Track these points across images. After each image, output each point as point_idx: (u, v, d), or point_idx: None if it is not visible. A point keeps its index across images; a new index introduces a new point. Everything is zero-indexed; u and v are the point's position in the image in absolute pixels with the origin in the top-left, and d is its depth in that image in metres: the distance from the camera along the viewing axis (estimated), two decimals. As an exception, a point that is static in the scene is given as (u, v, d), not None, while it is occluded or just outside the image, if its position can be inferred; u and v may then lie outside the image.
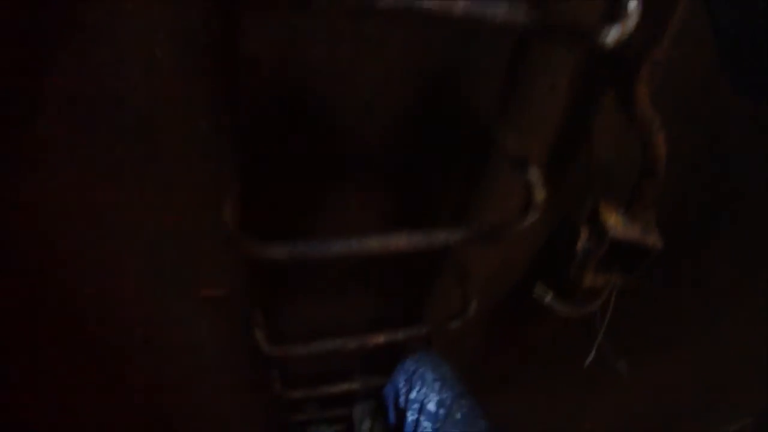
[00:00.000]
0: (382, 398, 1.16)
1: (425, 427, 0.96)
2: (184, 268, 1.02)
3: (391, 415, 1.10)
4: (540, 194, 0.77)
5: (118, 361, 1.20)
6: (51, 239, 0.86)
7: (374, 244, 0.68)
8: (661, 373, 1.97)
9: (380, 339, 1.03)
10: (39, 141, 0.72)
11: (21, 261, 0.87)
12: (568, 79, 0.92)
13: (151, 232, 0.92)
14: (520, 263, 1.35)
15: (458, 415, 0.93)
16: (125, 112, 0.71)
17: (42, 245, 0.86)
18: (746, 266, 1.54)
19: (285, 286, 1.13)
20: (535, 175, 0.78)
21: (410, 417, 1.00)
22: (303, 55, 0.72)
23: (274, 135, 0.82)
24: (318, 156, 0.87)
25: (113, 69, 0.68)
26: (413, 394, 1.01)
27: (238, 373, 1.38)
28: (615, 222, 0.98)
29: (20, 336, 1.03)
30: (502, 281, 1.40)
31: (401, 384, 1.06)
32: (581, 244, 1.03)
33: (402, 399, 1.04)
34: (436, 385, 0.99)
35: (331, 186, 0.93)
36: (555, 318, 1.31)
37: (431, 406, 0.97)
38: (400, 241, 0.70)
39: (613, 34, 0.50)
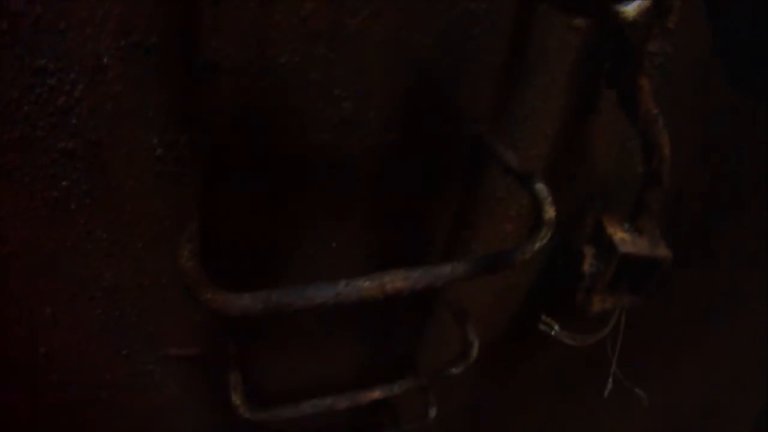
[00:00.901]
0: None
1: None
2: (148, 324, 0.89)
3: None
4: (550, 211, 0.69)
5: (82, 428, 1.05)
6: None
7: (367, 286, 0.57)
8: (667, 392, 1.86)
9: (375, 394, 0.90)
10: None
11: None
12: (567, 76, 0.84)
13: (107, 280, 0.80)
14: (517, 293, 1.24)
15: None
16: (68, 131, 0.61)
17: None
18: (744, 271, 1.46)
19: (259, 338, 1.00)
20: (542, 190, 0.69)
21: None
22: (273, 59, 0.62)
23: (238, 156, 0.71)
24: (290, 180, 0.76)
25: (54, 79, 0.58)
26: None
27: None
28: (623, 237, 0.90)
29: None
30: (499, 314, 1.27)
31: None
32: (588, 265, 0.94)
33: None
34: None
35: (304, 219, 0.82)
36: (558, 347, 1.20)
37: None
38: (397, 280, 0.59)
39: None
